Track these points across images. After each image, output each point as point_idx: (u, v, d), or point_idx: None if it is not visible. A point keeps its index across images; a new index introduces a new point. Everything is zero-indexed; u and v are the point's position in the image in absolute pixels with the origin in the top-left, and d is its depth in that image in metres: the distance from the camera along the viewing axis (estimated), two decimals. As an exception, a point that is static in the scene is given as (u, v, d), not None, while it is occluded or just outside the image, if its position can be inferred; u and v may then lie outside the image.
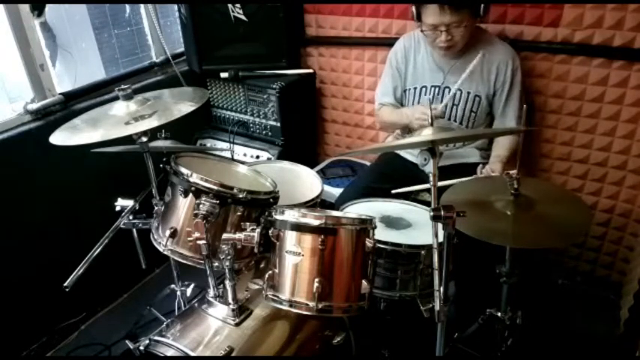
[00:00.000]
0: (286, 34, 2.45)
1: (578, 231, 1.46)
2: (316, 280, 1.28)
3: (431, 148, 1.23)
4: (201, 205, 1.37)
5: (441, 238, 1.17)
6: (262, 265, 1.63)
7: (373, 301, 1.39)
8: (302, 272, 1.31)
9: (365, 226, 1.35)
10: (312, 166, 2.19)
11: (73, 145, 1.45)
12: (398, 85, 2.11)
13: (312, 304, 1.29)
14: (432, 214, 1.14)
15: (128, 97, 1.59)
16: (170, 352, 1.35)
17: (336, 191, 2.26)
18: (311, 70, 2.62)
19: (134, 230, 1.69)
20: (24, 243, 1.99)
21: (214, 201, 1.38)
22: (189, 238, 1.38)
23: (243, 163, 1.82)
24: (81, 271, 1.51)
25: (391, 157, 2.19)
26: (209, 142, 2.65)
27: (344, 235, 1.31)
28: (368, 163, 2.54)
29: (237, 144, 2.57)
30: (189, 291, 1.90)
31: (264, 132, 2.56)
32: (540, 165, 2.28)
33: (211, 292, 1.49)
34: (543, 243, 1.40)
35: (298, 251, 1.30)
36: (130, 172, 1.77)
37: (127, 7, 2.52)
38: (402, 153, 2.16)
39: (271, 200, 1.50)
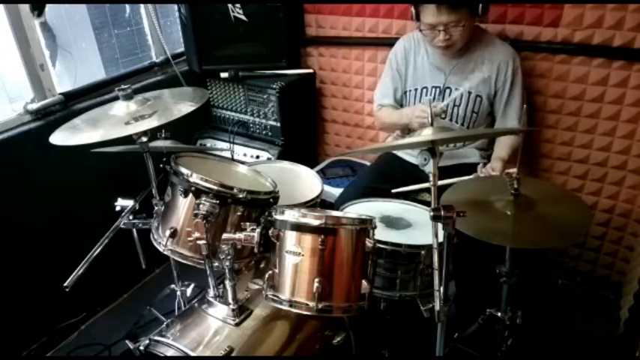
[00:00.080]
0: (286, 34, 2.45)
1: (578, 231, 1.46)
2: (316, 280, 1.28)
3: (431, 148, 1.23)
4: (201, 205, 1.37)
5: (441, 238, 1.17)
6: (262, 265, 1.63)
7: (373, 301, 1.39)
8: (302, 272, 1.31)
9: (365, 226, 1.35)
10: (312, 166, 2.19)
11: (73, 145, 1.45)
12: (398, 86, 2.11)
13: (312, 304, 1.29)
14: (432, 214, 1.14)
15: (128, 97, 1.59)
16: (170, 352, 1.35)
17: (336, 191, 2.25)
18: (311, 70, 2.62)
19: (134, 230, 1.69)
20: (24, 243, 1.99)
21: (214, 201, 1.38)
22: (189, 238, 1.38)
23: (243, 163, 1.81)
24: (81, 271, 1.51)
25: (391, 157, 2.19)
26: (209, 142, 2.65)
27: (344, 235, 1.31)
28: (368, 163, 2.54)
29: (237, 144, 2.57)
30: (189, 291, 1.90)
31: (264, 132, 2.56)
32: (540, 165, 2.28)
33: (211, 292, 1.49)
34: (543, 243, 1.40)
35: (298, 251, 1.30)
36: (130, 172, 1.77)
37: (127, 7, 2.52)
38: (402, 154, 2.16)
39: (271, 200, 1.50)
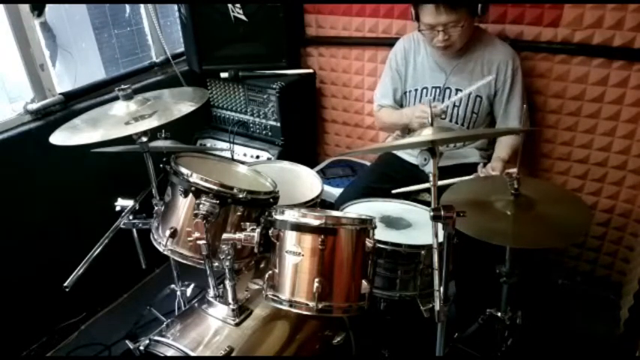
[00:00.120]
0: (286, 34, 2.45)
1: (578, 231, 1.46)
2: (316, 280, 1.28)
3: (431, 148, 1.23)
4: (201, 205, 1.37)
5: (441, 238, 1.17)
6: (262, 265, 1.63)
7: (373, 301, 1.39)
8: (302, 272, 1.31)
9: (365, 226, 1.35)
10: (312, 166, 2.19)
11: (73, 145, 1.45)
12: (398, 87, 2.11)
13: (312, 304, 1.29)
14: (432, 214, 1.14)
15: (128, 97, 1.59)
16: (170, 352, 1.35)
17: (336, 191, 2.25)
18: (311, 70, 2.62)
19: (134, 230, 1.69)
20: (24, 243, 1.99)
21: (214, 201, 1.38)
22: (189, 238, 1.39)
23: (243, 163, 1.82)
24: (81, 271, 1.51)
25: (391, 157, 2.19)
26: (209, 142, 2.65)
27: (344, 235, 1.31)
28: (368, 163, 2.54)
29: (237, 144, 2.57)
30: (189, 291, 1.90)
31: (264, 132, 2.56)
32: (540, 165, 2.28)
33: (211, 292, 1.49)
34: (543, 243, 1.40)
35: (298, 251, 1.30)
36: (130, 172, 1.77)
37: (127, 7, 2.52)
38: (402, 154, 2.16)
39: (271, 200, 1.50)
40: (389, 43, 2.19)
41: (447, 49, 1.87)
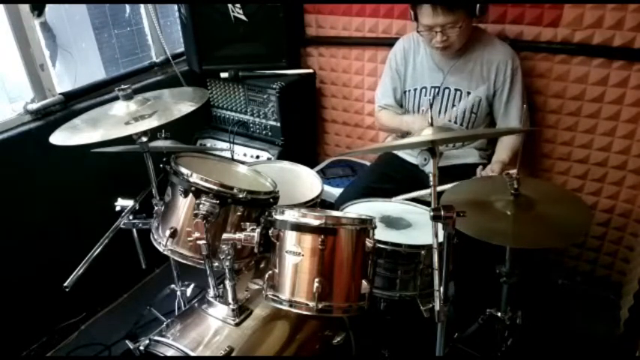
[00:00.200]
0: (286, 34, 2.45)
1: (578, 231, 1.45)
2: (316, 280, 1.28)
3: (431, 148, 1.24)
4: (201, 205, 1.37)
5: (441, 238, 1.17)
6: (262, 265, 1.63)
7: (373, 301, 1.39)
8: (302, 272, 1.31)
9: (365, 226, 1.35)
10: (312, 166, 2.19)
11: (73, 145, 1.45)
12: (397, 86, 2.11)
13: (312, 304, 1.29)
14: (432, 214, 1.14)
15: (128, 97, 1.59)
16: (170, 352, 1.35)
17: (336, 191, 2.26)
18: (311, 70, 2.62)
19: (134, 230, 1.69)
20: (24, 243, 1.99)
21: (214, 201, 1.38)
22: (189, 238, 1.39)
23: (243, 163, 1.81)
24: (81, 271, 1.51)
25: (391, 157, 2.19)
26: (209, 142, 2.65)
27: (344, 235, 1.31)
28: (368, 163, 2.54)
29: (237, 144, 2.57)
30: (189, 291, 1.90)
31: (264, 132, 2.56)
32: (540, 165, 2.28)
33: (211, 292, 1.49)
34: (543, 243, 1.40)
35: (298, 251, 1.30)
36: (130, 172, 1.77)
37: (127, 7, 2.52)
38: (402, 154, 2.16)
39: (271, 200, 1.50)
40: (389, 43, 2.19)
41: (446, 49, 1.87)
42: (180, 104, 1.61)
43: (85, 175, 2.13)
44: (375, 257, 1.40)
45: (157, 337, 1.40)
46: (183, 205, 1.43)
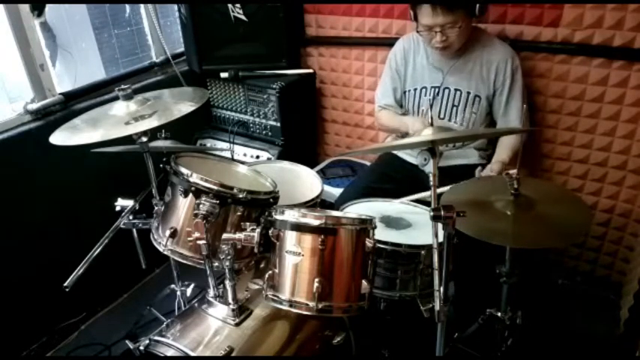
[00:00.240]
0: (286, 34, 2.45)
1: (578, 231, 1.45)
2: (316, 280, 1.28)
3: (431, 148, 1.24)
4: (201, 205, 1.37)
5: (441, 238, 1.17)
6: (262, 265, 1.63)
7: (373, 301, 1.39)
8: (302, 272, 1.31)
9: (365, 226, 1.35)
10: (312, 166, 2.19)
11: (73, 145, 1.45)
12: (398, 86, 2.11)
13: (312, 304, 1.29)
14: (432, 214, 1.14)
15: (128, 97, 1.59)
16: (170, 352, 1.35)
17: (336, 191, 2.26)
18: (311, 70, 2.62)
19: (134, 230, 1.69)
20: (24, 243, 1.99)
21: (214, 201, 1.38)
22: (189, 238, 1.39)
23: (243, 163, 1.81)
24: (81, 271, 1.51)
25: (391, 157, 2.19)
26: (209, 142, 2.65)
27: (344, 235, 1.31)
28: (368, 163, 2.54)
29: (237, 144, 2.57)
30: (189, 291, 1.90)
31: (264, 132, 2.56)
32: (540, 165, 2.28)
33: (211, 292, 1.49)
34: (543, 243, 1.40)
35: (298, 251, 1.30)
36: (130, 172, 1.77)
37: (127, 7, 2.52)
38: (402, 154, 2.16)
39: (271, 200, 1.50)
40: (389, 43, 2.19)
41: (445, 49, 1.87)
42: (180, 104, 1.61)
43: (85, 175, 2.13)
44: (375, 257, 1.40)
45: (156, 337, 1.40)
46: (183, 205, 1.43)
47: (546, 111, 2.16)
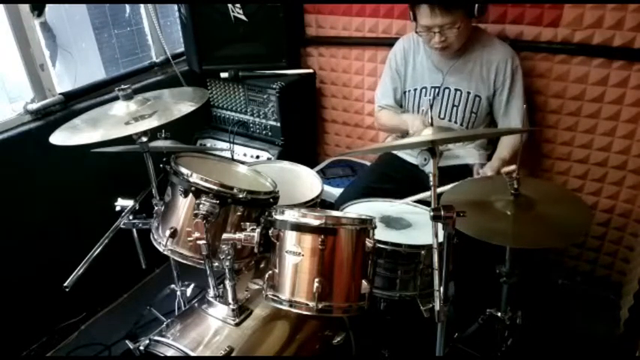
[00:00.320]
0: (286, 34, 2.45)
1: (578, 231, 1.46)
2: (316, 280, 1.28)
3: (431, 148, 1.24)
4: (201, 205, 1.37)
5: (441, 238, 1.17)
6: (262, 265, 1.63)
7: (373, 301, 1.39)
8: (302, 272, 1.31)
9: (365, 226, 1.35)
10: (312, 166, 2.19)
11: (73, 145, 1.45)
12: (398, 86, 2.11)
13: (312, 304, 1.29)
14: (432, 214, 1.14)
15: (128, 97, 1.59)
16: (170, 352, 1.35)
17: (336, 191, 2.26)
18: (311, 70, 2.62)
19: (134, 230, 1.69)
20: (24, 243, 1.99)
21: (214, 201, 1.38)
22: (189, 238, 1.38)
23: (243, 163, 1.81)
24: (81, 271, 1.51)
25: (391, 157, 2.19)
26: (209, 142, 2.65)
27: (344, 235, 1.31)
28: (368, 163, 2.54)
29: (237, 144, 2.57)
30: (189, 291, 1.90)
31: (264, 132, 2.56)
32: (541, 165, 2.28)
33: (211, 292, 1.49)
34: (543, 243, 1.40)
35: (298, 251, 1.30)
36: (130, 172, 1.77)
37: (127, 7, 2.52)
38: (402, 154, 2.16)
39: (271, 200, 1.50)
40: (389, 43, 2.19)
41: (445, 50, 1.87)
42: (180, 104, 1.61)
43: (85, 175, 2.13)
44: (375, 257, 1.40)
45: (156, 337, 1.40)
46: (183, 205, 1.43)
47: (546, 111, 2.16)
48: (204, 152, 1.96)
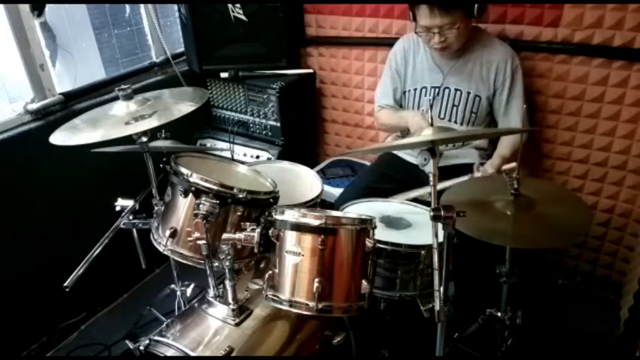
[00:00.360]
0: (286, 34, 2.45)
1: (578, 231, 1.45)
2: (316, 280, 1.28)
3: (431, 148, 1.24)
4: (201, 205, 1.37)
5: (441, 238, 1.17)
6: (262, 265, 1.63)
7: (373, 301, 1.39)
8: (302, 272, 1.31)
9: (365, 226, 1.35)
10: (312, 166, 2.19)
11: (73, 145, 1.45)
12: (398, 86, 2.11)
13: (312, 304, 1.29)
14: (432, 214, 1.14)
15: (128, 97, 1.59)
16: (170, 352, 1.35)
17: (336, 191, 2.26)
18: (311, 70, 2.62)
19: (134, 230, 1.69)
20: (24, 243, 1.99)
21: (214, 201, 1.38)
22: (189, 238, 1.38)
23: (243, 163, 1.81)
24: (81, 271, 1.51)
25: (391, 157, 2.19)
26: (209, 142, 2.65)
27: (344, 235, 1.31)
28: (368, 163, 2.54)
29: (237, 144, 2.57)
30: (189, 291, 1.90)
31: (264, 132, 2.56)
32: (541, 165, 2.28)
33: (211, 292, 1.49)
34: (543, 243, 1.40)
35: (298, 251, 1.30)
36: (130, 172, 1.77)
37: (127, 7, 2.52)
38: (402, 154, 2.16)
39: (271, 200, 1.50)
40: (389, 43, 2.19)
41: (444, 50, 1.87)
42: (180, 104, 1.61)
43: (85, 175, 2.13)
44: (375, 257, 1.40)
45: (156, 337, 1.40)
46: (183, 205, 1.43)
47: (546, 111, 2.16)
48: (204, 152, 1.97)
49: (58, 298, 1.76)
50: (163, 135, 1.75)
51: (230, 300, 1.43)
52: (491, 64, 1.92)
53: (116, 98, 1.62)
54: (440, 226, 1.15)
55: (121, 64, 2.57)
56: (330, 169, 2.62)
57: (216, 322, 1.45)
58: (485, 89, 1.95)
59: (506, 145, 1.97)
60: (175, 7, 2.55)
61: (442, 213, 1.13)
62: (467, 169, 1.92)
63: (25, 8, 1.92)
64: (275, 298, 1.34)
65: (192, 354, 1.33)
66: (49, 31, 2.17)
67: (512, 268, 1.55)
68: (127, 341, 2.05)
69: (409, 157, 2.13)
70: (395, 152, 2.19)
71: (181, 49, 2.61)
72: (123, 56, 2.57)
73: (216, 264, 1.42)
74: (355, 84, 2.61)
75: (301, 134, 2.69)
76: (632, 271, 2.14)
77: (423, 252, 1.49)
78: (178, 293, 1.90)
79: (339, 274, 1.32)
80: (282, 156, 2.43)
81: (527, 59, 2.09)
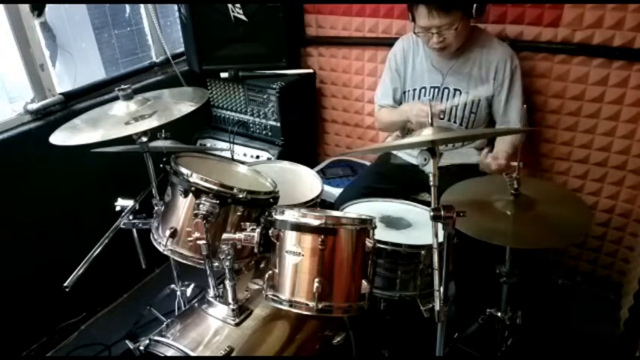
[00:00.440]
0: (286, 34, 2.45)
1: (578, 231, 1.45)
2: (316, 280, 1.28)
3: (431, 148, 1.23)
4: (201, 205, 1.37)
5: (441, 238, 1.17)
6: (262, 265, 1.63)
7: (373, 301, 1.39)
8: (302, 272, 1.31)
9: (365, 226, 1.35)
10: (312, 166, 2.19)
11: (73, 145, 1.45)
12: (397, 86, 2.11)
13: (312, 304, 1.29)
14: (432, 214, 1.14)
15: (128, 97, 1.59)
16: (170, 352, 1.35)
17: (336, 191, 2.25)
18: (311, 70, 2.62)
19: (134, 230, 1.69)
20: (24, 243, 1.99)
21: (214, 201, 1.38)
22: (189, 238, 1.38)
23: (243, 163, 1.82)
24: (81, 271, 1.51)
25: (391, 157, 2.19)
26: (209, 142, 2.65)
27: (344, 235, 1.31)
28: (368, 163, 2.54)
29: (237, 144, 2.57)
30: (189, 291, 1.90)
31: (264, 132, 2.56)
32: (541, 165, 2.28)
33: (211, 292, 1.49)
34: (543, 243, 1.40)
35: (298, 251, 1.30)
36: (130, 172, 1.77)
37: (127, 7, 2.53)
38: (401, 154, 2.16)
39: (271, 200, 1.50)
40: (389, 43, 2.19)
41: (443, 50, 1.87)
42: (180, 104, 1.61)
43: (85, 175, 2.13)
44: (375, 257, 1.40)
45: (156, 337, 1.40)
46: (183, 205, 1.43)
47: (546, 111, 2.16)
48: (204, 152, 1.96)
49: (58, 298, 1.76)
50: (163, 135, 1.75)
51: (230, 300, 1.43)
52: (491, 64, 1.92)
53: (116, 98, 1.62)
54: (440, 226, 1.16)
55: (121, 64, 2.57)
56: (330, 169, 2.62)
57: (216, 322, 1.45)
58: (484, 89, 1.95)
59: (506, 142, 1.96)
60: (175, 7, 2.55)
61: (442, 213, 1.13)
62: (467, 169, 1.92)
63: (25, 8, 1.92)
64: (275, 298, 1.34)
65: (192, 354, 1.33)
66: (49, 31, 2.17)
67: (512, 268, 1.55)
68: (127, 341, 2.05)
69: (409, 157, 2.13)
70: (395, 152, 2.19)
71: (181, 49, 2.61)
72: (123, 56, 2.57)
73: (216, 264, 1.42)
74: (355, 84, 2.61)
75: (301, 134, 2.69)
76: (632, 271, 2.14)
77: (423, 252, 1.49)
78: (178, 293, 1.90)
79: (339, 274, 1.32)
80: (282, 156, 2.43)
81: (527, 59, 2.09)
